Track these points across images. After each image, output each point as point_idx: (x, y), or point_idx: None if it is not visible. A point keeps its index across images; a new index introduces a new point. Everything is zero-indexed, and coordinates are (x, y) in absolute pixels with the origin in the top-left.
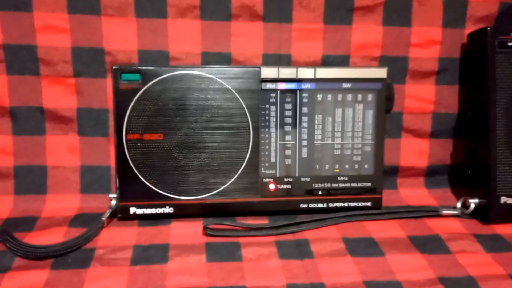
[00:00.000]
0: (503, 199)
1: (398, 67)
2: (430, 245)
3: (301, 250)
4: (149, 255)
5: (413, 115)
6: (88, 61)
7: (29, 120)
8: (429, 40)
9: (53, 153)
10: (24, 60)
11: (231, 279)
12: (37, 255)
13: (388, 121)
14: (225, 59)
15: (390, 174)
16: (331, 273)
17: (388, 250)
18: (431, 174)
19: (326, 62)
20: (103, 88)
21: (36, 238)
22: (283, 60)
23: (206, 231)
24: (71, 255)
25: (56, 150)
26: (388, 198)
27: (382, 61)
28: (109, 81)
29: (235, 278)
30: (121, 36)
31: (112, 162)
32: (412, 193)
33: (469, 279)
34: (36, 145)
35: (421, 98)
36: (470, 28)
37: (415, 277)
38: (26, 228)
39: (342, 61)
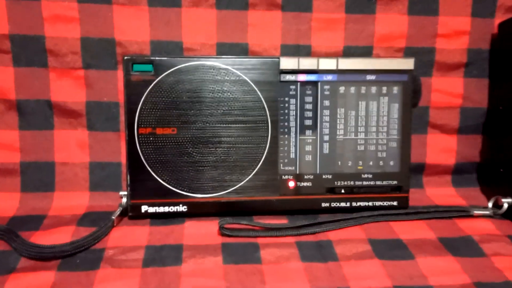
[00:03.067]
0: None
1: (424, 59)
2: (462, 247)
3: (324, 252)
4: (162, 256)
5: (440, 109)
6: (98, 52)
7: (37, 114)
8: (457, 31)
9: (61, 149)
10: (32, 52)
11: (249, 283)
12: (43, 256)
13: (413, 116)
14: (242, 50)
15: (415, 172)
16: (358, 276)
17: (418, 253)
18: (459, 172)
19: (348, 53)
20: (114, 81)
21: (43, 238)
22: (302, 51)
23: (222, 231)
24: (80, 255)
25: (64, 145)
26: (414, 197)
27: (407, 52)
28: (120, 74)
29: (254, 281)
30: (133, 26)
31: (123, 158)
32: (439, 192)
33: (507, 284)
34: (43, 140)
35: (448, 92)
36: (500, 17)
37: (449, 282)
38: (33, 227)
39: (365, 53)
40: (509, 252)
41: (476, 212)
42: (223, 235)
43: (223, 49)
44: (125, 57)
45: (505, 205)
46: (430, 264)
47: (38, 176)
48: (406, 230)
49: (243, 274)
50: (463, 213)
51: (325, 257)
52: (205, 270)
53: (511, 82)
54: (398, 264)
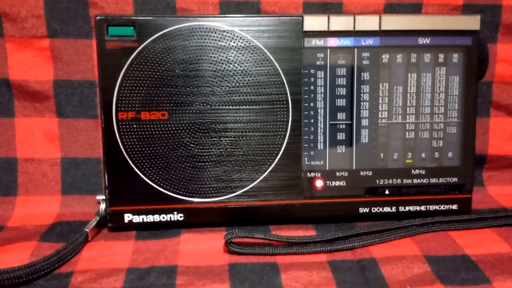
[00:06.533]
0: None
1: (488, 20)
2: None
3: (368, 276)
4: (148, 284)
5: (507, 85)
6: (67, 15)
7: None
8: None
9: (25, 142)
10: None
11: None
12: None
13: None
14: (252, 10)
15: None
16: None
17: (494, 274)
18: None
19: (391, 11)
20: (89, 53)
21: None
22: (331, 10)
23: (230, 247)
24: (38, 283)
25: (29, 137)
26: (473, 197)
27: (466, 10)
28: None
29: None
30: None
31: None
32: (504, 190)
33: None
34: (2, 130)
35: None
36: None
37: None
38: None
39: (413, 10)
40: None
41: None
42: (231, 252)
43: (229, 9)
44: (98, 17)
45: None
46: None
47: None
48: (473, 243)
49: None
50: None
51: (370, 282)
52: None
53: None
54: None
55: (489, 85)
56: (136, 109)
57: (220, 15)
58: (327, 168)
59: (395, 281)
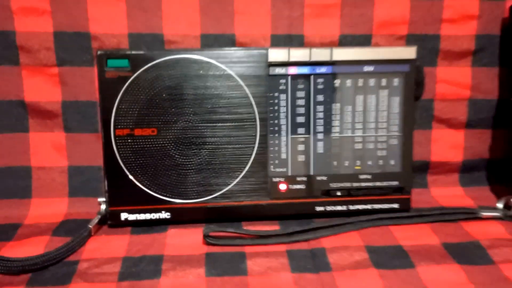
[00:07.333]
0: None
1: (429, 47)
2: (469, 254)
3: (317, 262)
4: (140, 269)
5: (446, 102)
6: (73, 47)
7: (9, 116)
8: (464, 15)
9: (37, 153)
10: (1, 48)
11: None
12: (10, 269)
13: (417, 110)
14: (228, 42)
15: (419, 170)
16: None
17: (420, 261)
18: (467, 170)
19: (344, 43)
20: (91, 78)
21: (15, 249)
22: (294, 41)
23: (207, 240)
24: (51, 269)
25: (40, 149)
26: (418, 198)
27: (410, 40)
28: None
29: None
30: (109, 18)
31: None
32: (445, 192)
33: None
34: (18, 143)
35: (456, 82)
36: None
37: None
38: (5, 237)
39: (363, 42)
40: None
41: (485, 213)
42: (208, 244)
43: (208, 41)
44: (99, 52)
45: None
46: (433, 274)
47: (13, 182)
48: (408, 236)
49: (226, 287)
50: (471, 215)
51: (318, 267)
52: (186, 284)
53: None
54: (398, 275)
55: (431, 102)
56: (131, 126)
57: (199, 49)
58: (289, 174)
59: (338, 266)
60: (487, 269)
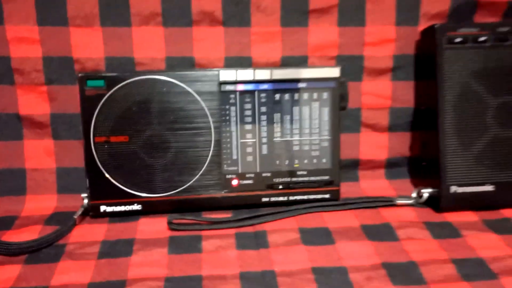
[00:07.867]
0: (453, 189)
1: (355, 65)
2: (380, 233)
3: (259, 241)
4: (115, 250)
5: (371, 110)
6: (58, 69)
7: (7, 126)
8: (383, 39)
9: (31, 157)
10: (0, 71)
11: (188, 270)
12: (10, 251)
13: (347, 117)
14: (189, 63)
15: (351, 167)
16: (283, 261)
17: (340, 239)
18: (391, 166)
19: (286, 62)
20: (74, 94)
21: (14, 236)
22: (244, 62)
23: (171, 226)
24: (44, 251)
25: (33, 153)
26: (349, 190)
27: (339, 60)
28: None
29: (193, 268)
30: (88, 45)
31: None
32: (373, 185)
33: (411, 264)
34: (14, 149)
35: (378, 94)
36: (424, 25)
37: (361, 263)
38: (5, 227)
39: (301, 62)
40: (419, 236)
41: (400, 201)
42: (172, 229)
43: (172, 63)
44: (80, 74)
45: (425, 195)
46: (348, 248)
47: (10, 182)
48: (335, 220)
49: (184, 262)
50: (388, 202)
51: (258, 245)
52: (152, 261)
53: (429, 84)
54: (320, 249)
55: (358, 110)
56: (107, 134)
57: (163, 70)
58: (240, 172)
59: (274, 243)
60: (392, 244)
